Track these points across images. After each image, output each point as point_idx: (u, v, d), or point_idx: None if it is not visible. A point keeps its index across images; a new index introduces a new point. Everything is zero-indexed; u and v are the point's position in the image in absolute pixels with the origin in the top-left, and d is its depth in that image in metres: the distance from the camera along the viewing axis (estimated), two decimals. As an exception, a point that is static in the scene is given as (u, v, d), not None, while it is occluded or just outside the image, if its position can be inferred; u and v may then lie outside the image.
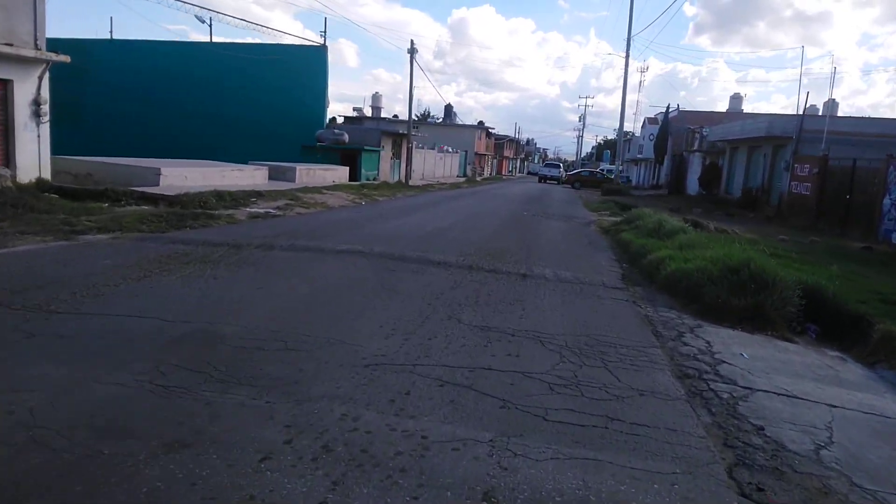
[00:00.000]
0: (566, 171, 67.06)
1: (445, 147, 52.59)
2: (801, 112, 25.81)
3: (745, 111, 59.93)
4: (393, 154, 36.80)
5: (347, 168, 29.42)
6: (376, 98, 79.87)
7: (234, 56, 32.81)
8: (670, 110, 56.83)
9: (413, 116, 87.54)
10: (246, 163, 24.73)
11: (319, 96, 33.55)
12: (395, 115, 76.63)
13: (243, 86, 33.67)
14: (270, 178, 22.62)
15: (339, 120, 70.80)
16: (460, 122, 76.13)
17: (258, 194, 17.57)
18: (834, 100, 44.87)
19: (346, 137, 32.02)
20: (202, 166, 19.03)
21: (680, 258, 9.15)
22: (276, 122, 33.44)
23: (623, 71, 40.98)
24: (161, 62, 34.22)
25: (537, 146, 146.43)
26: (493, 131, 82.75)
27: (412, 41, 32.92)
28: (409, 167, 34.00)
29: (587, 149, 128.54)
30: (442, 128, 71.71)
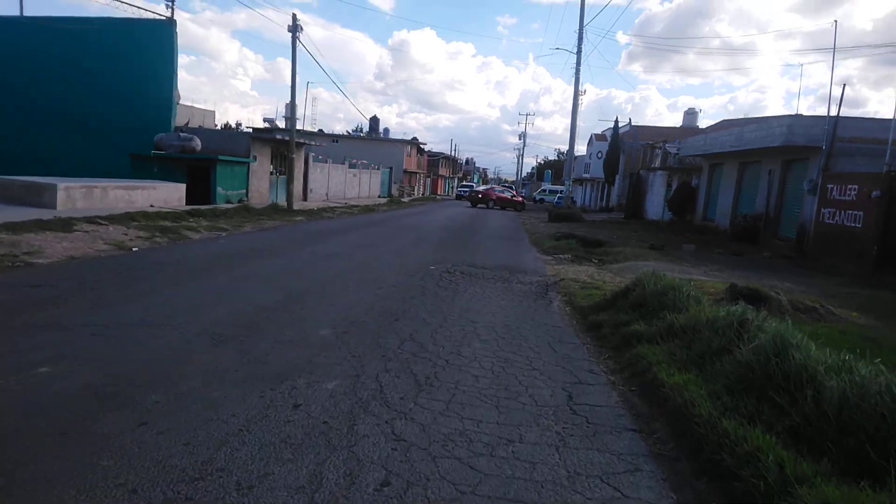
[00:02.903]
0: (480, 189, 53.67)
1: (361, 162, 43.68)
2: (832, 113, 18.28)
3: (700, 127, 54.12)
4: (275, 168, 27.61)
5: (184, 186, 20.09)
6: (290, 108, 70.43)
7: (46, 29, 23.09)
8: (621, 125, 49.93)
9: (346, 132, 77.96)
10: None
11: (163, 88, 24.13)
12: (320, 130, 67.45)
13: (61, 74, 23.91)
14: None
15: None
16: (387, 138, 67.44)
17: None
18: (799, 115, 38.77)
19: (198, 144, 22.69)
20: None
21: None
22: (101, 123, 23.81)
23: (574, 65, 33.37)
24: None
25: (477, 166, 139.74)
26: (424, 147, 74.44)
27: (294, 15, 24.08)
28: (293, 185, 24.84)
29: (528, 169, 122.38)
30: (365, 142, 62.83)
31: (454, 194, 78.04)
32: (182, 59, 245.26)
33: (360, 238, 15.55)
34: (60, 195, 14.13)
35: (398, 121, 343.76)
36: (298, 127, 65.30)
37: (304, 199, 31.44)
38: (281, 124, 68.51)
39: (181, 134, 22.95)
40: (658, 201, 35.01)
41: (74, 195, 14.62)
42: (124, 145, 22.86)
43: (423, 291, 8.34)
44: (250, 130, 64.24)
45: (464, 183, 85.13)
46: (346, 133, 79.78)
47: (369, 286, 8.40)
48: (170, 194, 18.93)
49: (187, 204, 20.79)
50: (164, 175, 21.74)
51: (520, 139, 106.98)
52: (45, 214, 12.96)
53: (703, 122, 54.60)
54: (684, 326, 5.72)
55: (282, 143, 26.26)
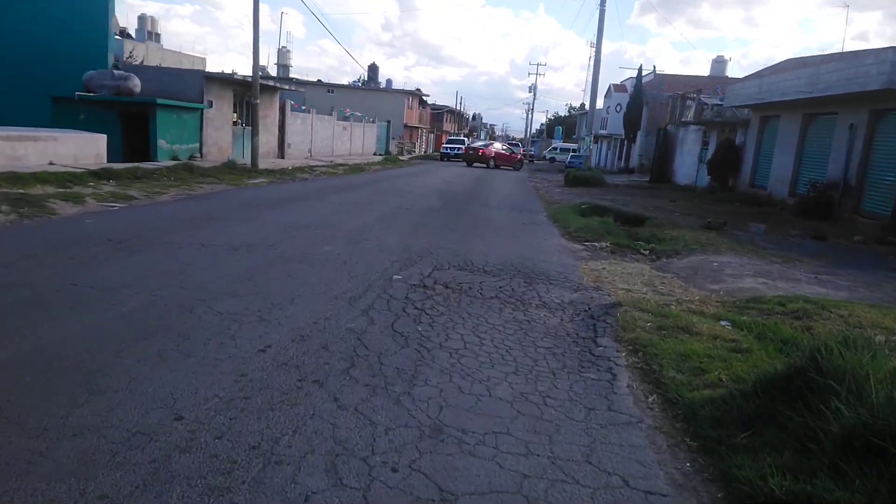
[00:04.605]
0: (478, 146, 44.33)
1: (354, 113, 38.94)
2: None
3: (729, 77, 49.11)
4: (241, 118, 23.14)
5: (103, 137, 15.72)
6: (283, 55, 64.81)
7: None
8: (644, 73, 44.72)
9: (347, 83, 71.68)
10: None
11: (96, 13, 19.56)
12: (319, 81, 62.26)
13: None
14: None
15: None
16: (386, 88, 62.16)
17: None
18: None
19: (137, 84, 18.26)
20: None
21: None
22: (18, 58, 19.37)
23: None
24: None
25: (484, 121, 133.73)
26: (427, 99, 69.18)
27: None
28: (259, 138, 20.40)
29: (537, 125, 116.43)
30: (362, 92, 57.84)
31: (440, 153, 51.80)
32: (186, 9, 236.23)
33: (316, 211, 11.27)
34: None
35: (405, 74, 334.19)
36: (297, 76, 60.01)
37: (281, 155, 27.01)
38: (273, 73, 63.31)
39: (115, 72, 18.47)
40: (690, 162, 30.47)
41: None
42: (47, 86, 18.44)
43: (353, 355, 4.10)
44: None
45: (452, 138, 60.32)
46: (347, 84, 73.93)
47: (244, 339, 4.18)
48: (81, 148, 14.61)
49: (119, 161, 16.55)
50: (92, 123, 17.40)
51: (530, 92, 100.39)
52: None
53: (731, 73, 49.42)
54: None
55: (243, 87, 21.73)
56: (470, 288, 6.40)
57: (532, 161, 60.71)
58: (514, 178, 29.51)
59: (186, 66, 47.35)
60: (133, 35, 57.11)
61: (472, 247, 8.83)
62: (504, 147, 44.54)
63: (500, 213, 13.69)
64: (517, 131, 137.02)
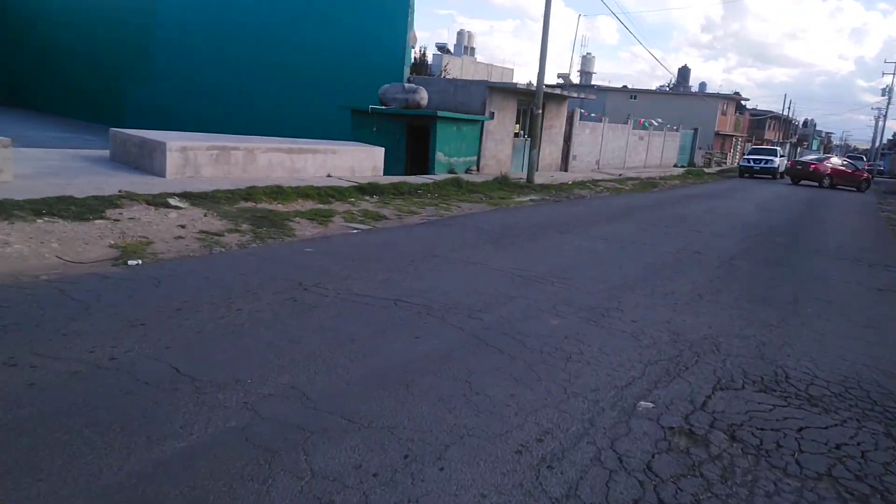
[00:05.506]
0: (808, 160, 35.43)
1: (652, 121, 35.27)
2: None
3: None
4: (522, 129, 21.95)
5: (381, 150, 15.66)
6: (586, 62, 63.18)
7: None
8: None
9: (657, 88, 67.38)
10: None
11: (397, 28, 20.24)
12: (625, 86, 59.62)
13: (275, 23, 22.11)
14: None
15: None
16: (695, 93, 56.02)
17: None
18: None
19: (424, 97, 18.27)
20: None
21: None
22: (327, 72, 21.19)
23: None
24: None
25: (817, 128, 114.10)
26: (746, 103, 60.69)
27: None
28: (538, 150, 18.90)
29: (889, 135, 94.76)
30: (667, 97, 53.14)
31: (738, 166, 39.84)
32: (507, 25, 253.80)
33: (567, 252, 8.99)
34: (172, 158, 10.61)
35: (724, 77, 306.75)
36: (600, 83, 58.30)
37: (564, 168, 25.25)
38: (575, 80, 62.23)
39: (406, 85, 18.73)
40: None
41: (197, 159, 11.03)
42: (350, 99, 19.65)
43: None
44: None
45: (758, 147, 47.42)
46: (653, 89, 69.00)
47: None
48: (359, 161, 14.73)
49: (401, 173, 16.75)
50: (382, 136, 17.92)
51: (883, 95, 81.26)
52: (138, 183, 9.53)
53: None
54: None
55: (526, 96, 20.40)
56: (778, 446, 3.54)
57: (874, 177, 47.52)
58: (858, 205, 22.96)
59: (495, 77, 48.83)
60: (451, 50, 61.96)
61: (789, 337, 5.65)
62: (843, 162, 35.77)
63: (839, 267, 9.64)
64: (862, 141, 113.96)
